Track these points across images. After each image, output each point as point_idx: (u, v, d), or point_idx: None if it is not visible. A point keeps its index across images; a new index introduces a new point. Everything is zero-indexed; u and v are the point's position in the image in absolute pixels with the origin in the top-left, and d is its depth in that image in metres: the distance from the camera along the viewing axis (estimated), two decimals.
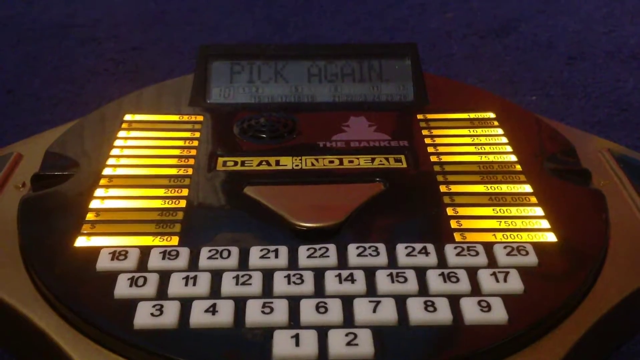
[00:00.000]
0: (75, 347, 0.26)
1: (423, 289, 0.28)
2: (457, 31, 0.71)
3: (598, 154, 0.38)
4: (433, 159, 0.37)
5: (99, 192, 0.34)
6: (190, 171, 0.35)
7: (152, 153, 0.37)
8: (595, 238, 0.31)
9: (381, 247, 0.30)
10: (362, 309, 0.27)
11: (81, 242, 0.31)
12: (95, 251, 0.30)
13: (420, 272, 0.29)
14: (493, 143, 0.38)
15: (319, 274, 0.28)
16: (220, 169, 0.36)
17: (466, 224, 0.32)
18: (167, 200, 0.33)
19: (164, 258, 0.29)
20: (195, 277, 0.28)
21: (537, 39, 0.69)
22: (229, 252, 0.29)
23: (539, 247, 0.30)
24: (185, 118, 0.40)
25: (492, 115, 0.41)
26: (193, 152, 0.37)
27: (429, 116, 0.40)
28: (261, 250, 0.30)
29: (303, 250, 0.30)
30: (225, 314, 0.26)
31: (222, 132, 0.39)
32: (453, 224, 0.32)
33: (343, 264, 0.29)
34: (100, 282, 0.28)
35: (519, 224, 0.32)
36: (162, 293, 0.28)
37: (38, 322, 0.28)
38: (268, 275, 0.28)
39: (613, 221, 0.32)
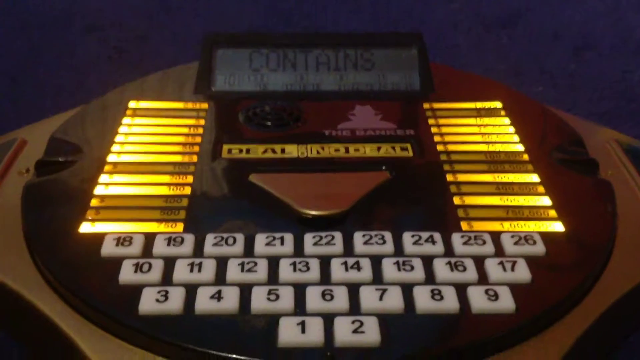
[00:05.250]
0: (80, 332, 0.26)
1: (430, 278, 0.28)
2: (463, 22, 0.71)
3: (605, 144, 0.38)
4: (439, 148, 0.36)
5: (103, 178, 0.34)
6: (195, 158, 0.35)
7: (156, 140, 0.37)
8: (602, 228, 0.31)
9: (387, 235, 0.30)
10: (368, 297, 0.27)
11: (86, 228, 0.30)
12: (99, 237, 0.30)
13: (427, 260, 0.28)
14: (500, 132, 0.38)
15: (325, 261, 0.28)
16: (225, 156, 0.36)
17: (473, 213, 0.31)
18: (172, 187, 0.33)
19: (169, 244, 0.29)
20: (200, 264, 0.28)
21: (543, 30, 0.69)
22: (234, 238, 0.29)
23: (546, 236, 0.30)
24: (190, 105, 0.40)
25: (499, 104, 0.40)
26: (198, 139, 0.37)
27: (436, 105, 0.40)
28: (267, 237, 0.29)
29: (309, 238, 0.29)
30: (230, 300, 0.26)
31: (227, 119, 0.39)
32: (460, 212, 0.31)
33: (349, 251, 0.29)
34: (105, 267, 0.28)
35: (526, 213, 0.31)
36: (167, 279, 0.28)
37: (43, 307, 0.28)
38: (274, 262, 0.28)
39: (620, 211, 0.32)
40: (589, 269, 0.29)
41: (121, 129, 0.38)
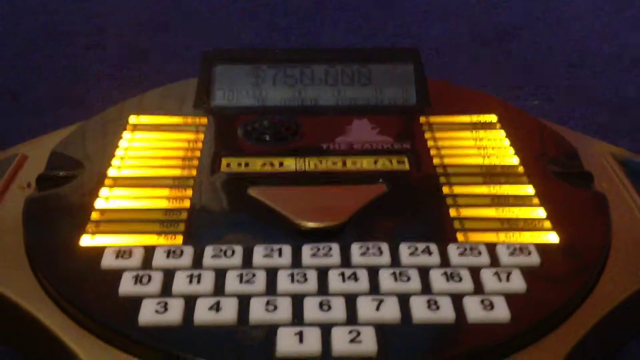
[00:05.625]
0: (80, 344, 0.27)
1: (426, 288, 0.28)
2: (460, 38, 0.72)
3: (600, 158, 0.39)
4: (436, 161, 0.37)
5: (103, 192, 0.34)
6: (194, 172, 0.36)
7: (156, 154, 0.37)
8: (597, 239, 0.31)
9: (384, 246, 0.30)
10: (365, 307, 0.27)
11: (86, 241, 0.31)
12: (100, 250, 0.30)
13: (423, 271, 0.29)
14: (495, 146, 0.38)
15: (323, 272, 0.29)
16: (224, 170, 0.36)
17: (469, 224, 0.32)
18: (171, 200, 0.33)
19: (168, 256, 0.29)
20: (199, 275, 0.28)
21: (538, 46, 0.70)
22: (233, 250, 0.30)
23: (541, 247, 0.30)
24: (190, 120, 0.41)
25: (494, 118, 0.41)
26: (197, 153, 0.37)
27: (432, 119, 0.41)
28: (265, 249, 0.30)
29: (307, 249, 0.30)
30: (229, 311, 0.27)
31: (226, 134, 0.40)
32: (456, 224, 0.32)
33: (346, 263, 0.29)
34: (105, 280, 0.28)
35: (521, 224, 0.32)
36: (166, 291, 0.28)
37: (44, 320, 0.28)
38: (272, 273, 0.29)
39: (615, 223, 0.33)
40: (584, 280, 0.29)
41: (121, 144, 0.38)
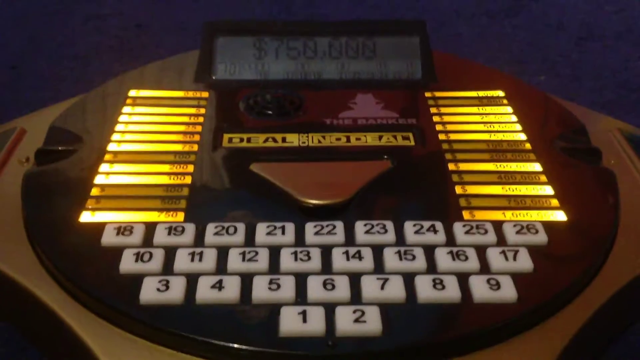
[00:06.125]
0: (80, 321, 0.26)
1: (431, 267, 0.28)
2: (466, 10, 0.71)
3: (608, 134, 0.38)
4: (441, 137, 0.36)
5: (103, 167, 0.33)
6: (195, 147, 0.35)
7: (157, 129, 0.37)
8: (605, 217, 0.31)
9: (389, 224, 0.29)
10: (370, 286, 0.26)
11: (86, 217, 0.30)
12: (100, 226, 0.29)
13: (429, 250, 0.28)
14: (502, 122, 0.38)
15: (326, 251, 0.28)
16: (225, 145, 0.35)
17: (475, 202, 0.31)
18: (172, 176, 0.33)
19: (169, 234, 0.29)
20: (201, 253, 0.28)
21: (547, 19, 0.69)
22: (235, 228, 0.29)
23: (548, 225, 0.30)
24: (191, 94, 0.40)
25: (501, 93, 0.40)
26: (198, 128, 0.37)
27: (437, 94, 0.40)
28: (268, 226, 0.29)
29: (310, 227, 0.29)
30: (231, 289, 0.26)
31: (228, 108, 0.39)
32: (462, 202, 0.31)
33: (350, 241, 0.29)
34: (105, 257, 0.28)
35: (528, 202, 0.31)
36: (167, 269, 0.27)
37: (43, 297, 0.27)
38: (275, 251, 0.28)
39: (623, 200, 0.32)
40: (592, 258, 0.29)
41: (121, 118, 0.38)
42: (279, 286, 0.26)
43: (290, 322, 0.25)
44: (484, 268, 0.28)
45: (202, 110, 0.38)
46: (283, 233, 0.29)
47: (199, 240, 0.29)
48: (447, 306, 0.26)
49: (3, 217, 0.31)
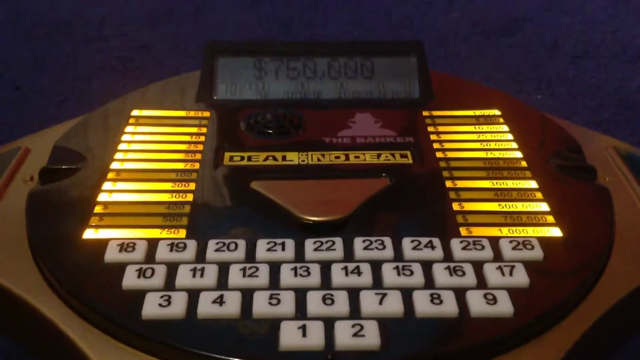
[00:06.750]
0: (83, 337, 0.27)
1: (429, 282, 0.28)
2: (463, 30, 0.72)
3: (603, 152, 0.38)
4: (439, 155, 0.37)
5: (106, 185, 0.34)
6: (197, 166, 0.36)
7: (159, 148, 0.37)
8: (600, 233, 0.31)
9: (387, 240, 0.30)
10: (369, 301, 0.27)
11: (89, 234, 0.31)
12: (103, 243, 0.30)
13: (427, 265, 0.29)
14: (499, 140, 0.38)
15: (326, 266, 0.29)
16: (226, 163, 0.36)
17: (472, 218, 0.32)
18: (174, 194, 0.33)
19: (171, 250, 0.29)
20: (202, 269, 0.28)
21: (543, 38, 0.70)
22: (236, 244, 0.30)
23: (544, 241, 0.30)
24: (192, 114, 0.41)
25: (497, 112, 0.41)
26: (200, 147, 0.37)
27: (435, 113, 0.41)
28: (268, 243, 0.30)
29: (310, 243, 0.30)
30: (232, 304, 0.27)
31: (229, 127, 0.40)
32: (459, 218, 0.32)
33: (349, 257, 0.29)
34: (108, 273, 0.29)
35: (524, 219, 0.32)
36: (169, 284, 0.28)
37: (47, 313, 0.28)
38: (275, 267, 0.29)
39: (618, 217, 0.33)
40: (587, 274, 0.29)
41: (124, 137, 0.38)
42: (279, 301, 0.27)
43: (290, 337, 0.25)
44: (481, 283, 0.28)
45: (204, 130, 0.39)
46: (283, 249, 0.29)
47: (201, 257, 0.29)
48: (444, 321, 0.26)
49: (8, 234, 0.32)
